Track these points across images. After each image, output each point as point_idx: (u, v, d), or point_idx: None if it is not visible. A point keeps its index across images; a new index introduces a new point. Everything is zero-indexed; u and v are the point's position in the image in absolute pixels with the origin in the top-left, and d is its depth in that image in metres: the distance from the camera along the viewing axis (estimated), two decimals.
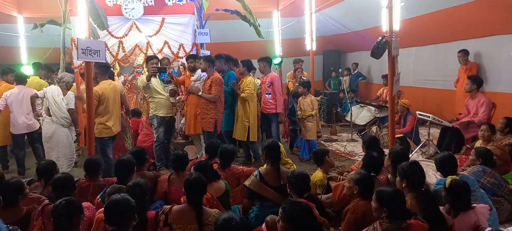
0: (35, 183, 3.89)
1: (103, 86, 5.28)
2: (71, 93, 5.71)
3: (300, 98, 6.64)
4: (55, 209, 2.68)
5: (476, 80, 6.34)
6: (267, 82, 6.45)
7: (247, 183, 3.74)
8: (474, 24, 7.21)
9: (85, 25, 4.71)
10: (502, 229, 3.09)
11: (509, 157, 4.60)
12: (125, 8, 6.70)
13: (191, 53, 6.70)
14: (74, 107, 5.64)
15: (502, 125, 5.13)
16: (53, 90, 5.59)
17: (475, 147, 4.78)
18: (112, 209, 2.62)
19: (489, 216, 3.17)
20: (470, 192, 3.15)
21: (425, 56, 9.38)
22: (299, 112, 6.56)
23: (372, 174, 3.72)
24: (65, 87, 5.67)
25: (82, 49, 4.42)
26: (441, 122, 6.44)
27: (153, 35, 6.83)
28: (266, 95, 6.47)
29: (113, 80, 5.87)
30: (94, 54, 4.54)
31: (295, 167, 4.73)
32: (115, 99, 5.40)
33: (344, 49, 13.58)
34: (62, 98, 5.57)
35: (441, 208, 3.14)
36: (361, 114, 8.69)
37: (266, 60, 6.64)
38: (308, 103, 6.47)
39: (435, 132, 7.11)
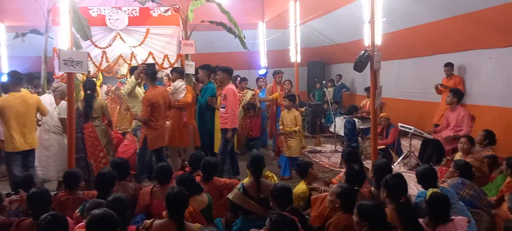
0: (12, 197, 3.78)
1: (8, 98, 5.03)
2: (64, 103, 5.59)
3: (283, 112, 6.31)
4: (40, 224, 2.63)
5: (457, 94, 6.49)
6: (222, 95, 5.84)
7: (230, 196, 3.72)
8: (454, 38, 7.39)
9: (68, 36, 4.66)
10: None
11: (488, 169, 4.70)
12: (109, 19, 6.64)
13: (175, 65, 6.67)
14: (66, 117, 5.56)
15: (481, 137, 5.22)
16: (46, 99, 5.61)
17: (454, 159, 4.86)
18: (95, 223, 2.57)
19: (468, 228, 3.22)
20: (449, 205, 3.19)
21: (407, 69, 9.57)
22: (281, 126, 6.22)
23: (355, 188, 3.69)
24: (59, 97, 5.66)
25: (64, 60, 4.36)
26: (422, 133, 6.56)
27: (137, 46, 6.78)
28: (221, 109, 5.84)
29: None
30: (76, 65, 4.48)
31: (276, 179, 4.72)
32: (24, 113, 5.05)
33: (328, 61, 13.73)
34: (55, 107, 5.59)
35: (420, 220, 3.18)
36: None
37: (227, 71, 5.97)
38: (291, 119, 6.09)
39: (417, 143, 7.22)
